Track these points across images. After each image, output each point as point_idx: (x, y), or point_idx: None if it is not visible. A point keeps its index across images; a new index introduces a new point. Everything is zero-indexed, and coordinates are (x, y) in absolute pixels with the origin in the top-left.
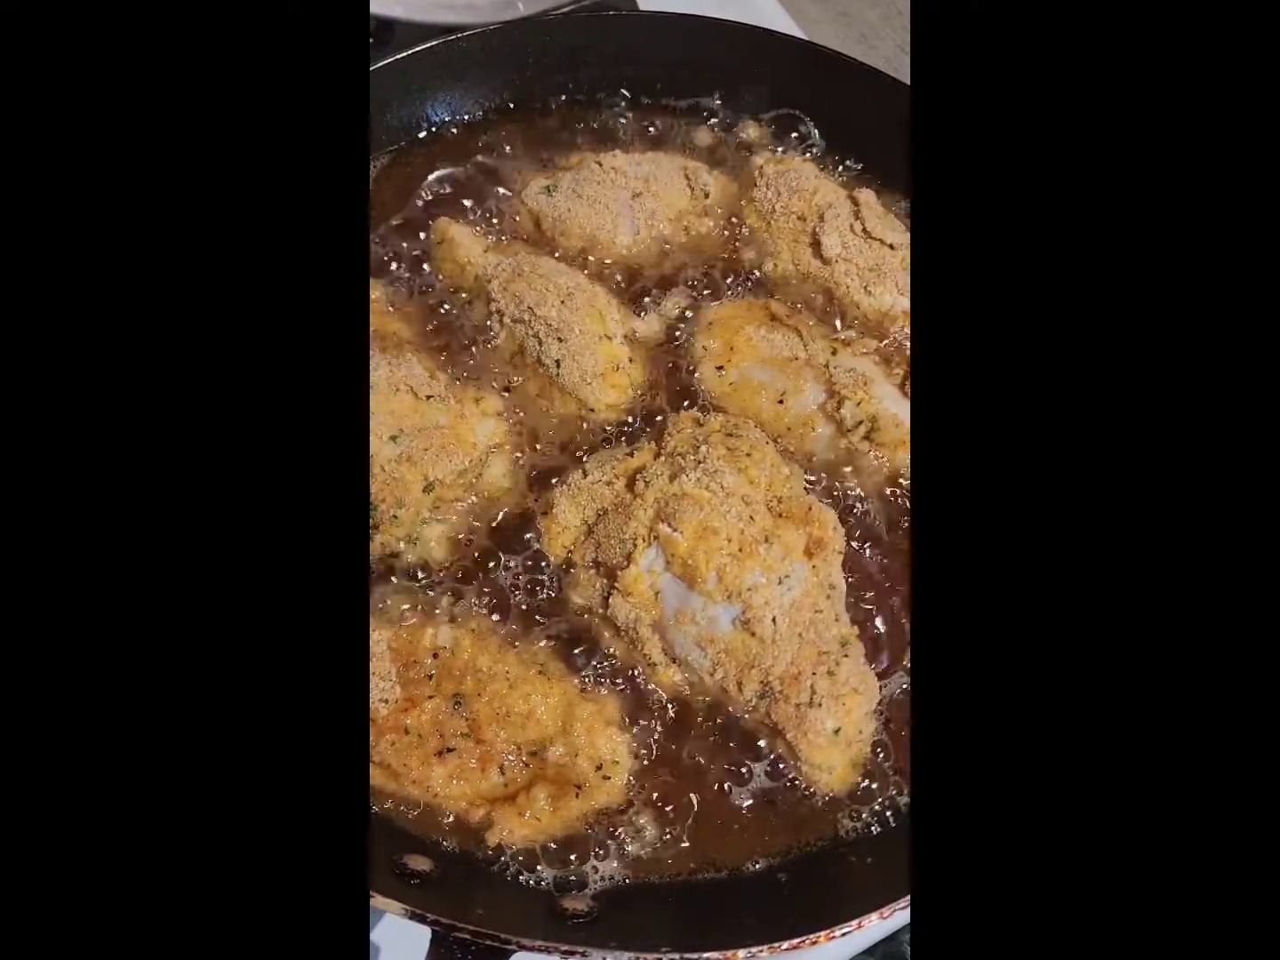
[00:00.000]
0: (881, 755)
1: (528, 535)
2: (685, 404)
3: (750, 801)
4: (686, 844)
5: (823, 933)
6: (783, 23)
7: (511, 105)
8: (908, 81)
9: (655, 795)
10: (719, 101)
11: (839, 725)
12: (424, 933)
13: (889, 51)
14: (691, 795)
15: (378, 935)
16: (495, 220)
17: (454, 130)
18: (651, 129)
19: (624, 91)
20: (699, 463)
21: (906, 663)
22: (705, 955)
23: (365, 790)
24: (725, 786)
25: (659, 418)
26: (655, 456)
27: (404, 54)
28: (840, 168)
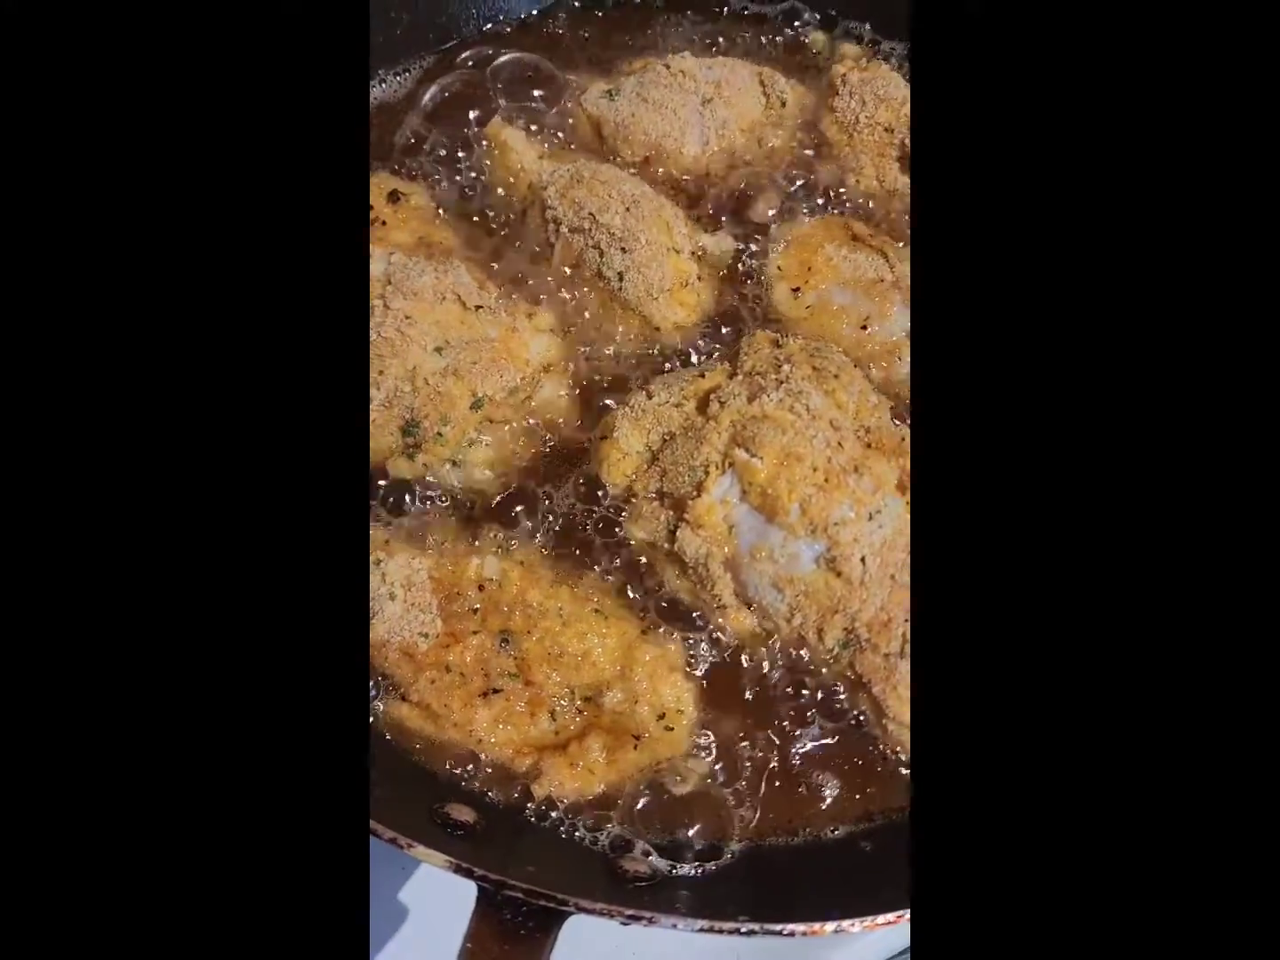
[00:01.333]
0: None
1: (585, 462)
2: (758, 328)
3: (829, 762)
4: (756, 805)
5: None
6: None
7: (574, 3)
8: None
9: (721, 750)
10: (798, 10)
11: None
12: (468, 891)
13: None
14: (761, 752)
15: (410, 893)
16: (553, 127)
17: (508, 29)
18: (724, 34)
19: None
20: (781, 382)
21: None
22: (789, 927)
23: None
24: (801, 744)
25: (729, 341)
26: (730, 376)
27: None
28: None
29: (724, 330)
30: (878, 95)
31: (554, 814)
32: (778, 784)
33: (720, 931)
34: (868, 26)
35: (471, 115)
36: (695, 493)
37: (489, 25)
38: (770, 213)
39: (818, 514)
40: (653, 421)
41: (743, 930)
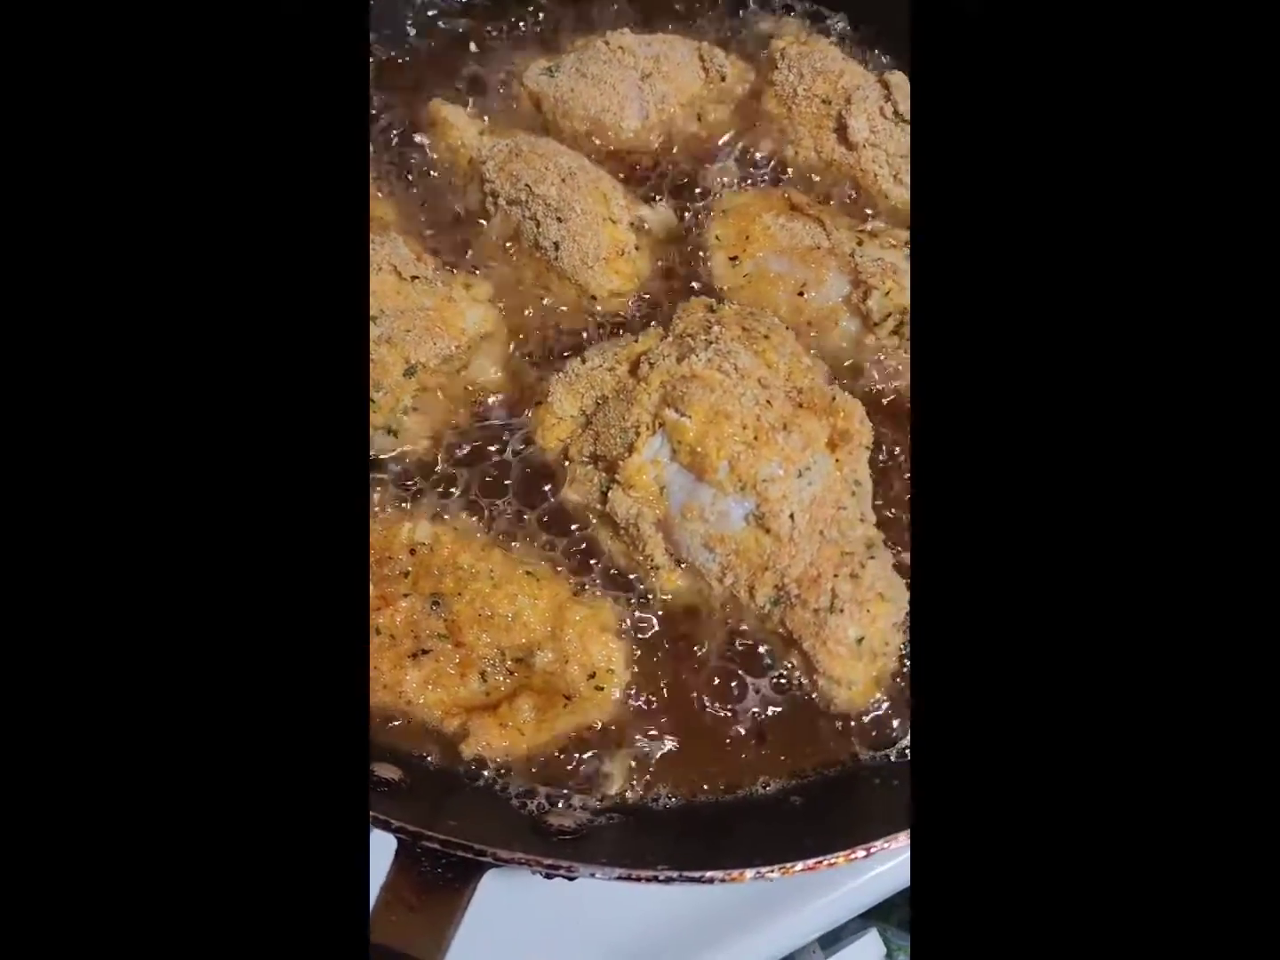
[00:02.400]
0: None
1: (521, 428)
2: (697, 296)
3: (760, 719)
4: (687, 762)
5: (841, 854)
6: None
7: None
8: None
9: (653, 709)
10: None
11: (862, 634)
12: (388, 844)
13: None
14: (695, 710)
15: None
16: (494, 104)
17: (449, 6)
18: (662, 11)
19: None
20: (710, 343)
21: None
22: (707, 874)
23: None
24: (733, 702)
25: (667, 310)
26: (661, 339)
27: None
28: (866, 54)
29: (662, 299)
30: (815, 69)
31: (485, 774)
32: (710, 741)
33: (639, 879)
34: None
35: (413, 92)
36: (626, 453)
37: (429, 6)
38: (709, 184)
39: (746, 471)
40: (586, 386)
41: (660, 878)
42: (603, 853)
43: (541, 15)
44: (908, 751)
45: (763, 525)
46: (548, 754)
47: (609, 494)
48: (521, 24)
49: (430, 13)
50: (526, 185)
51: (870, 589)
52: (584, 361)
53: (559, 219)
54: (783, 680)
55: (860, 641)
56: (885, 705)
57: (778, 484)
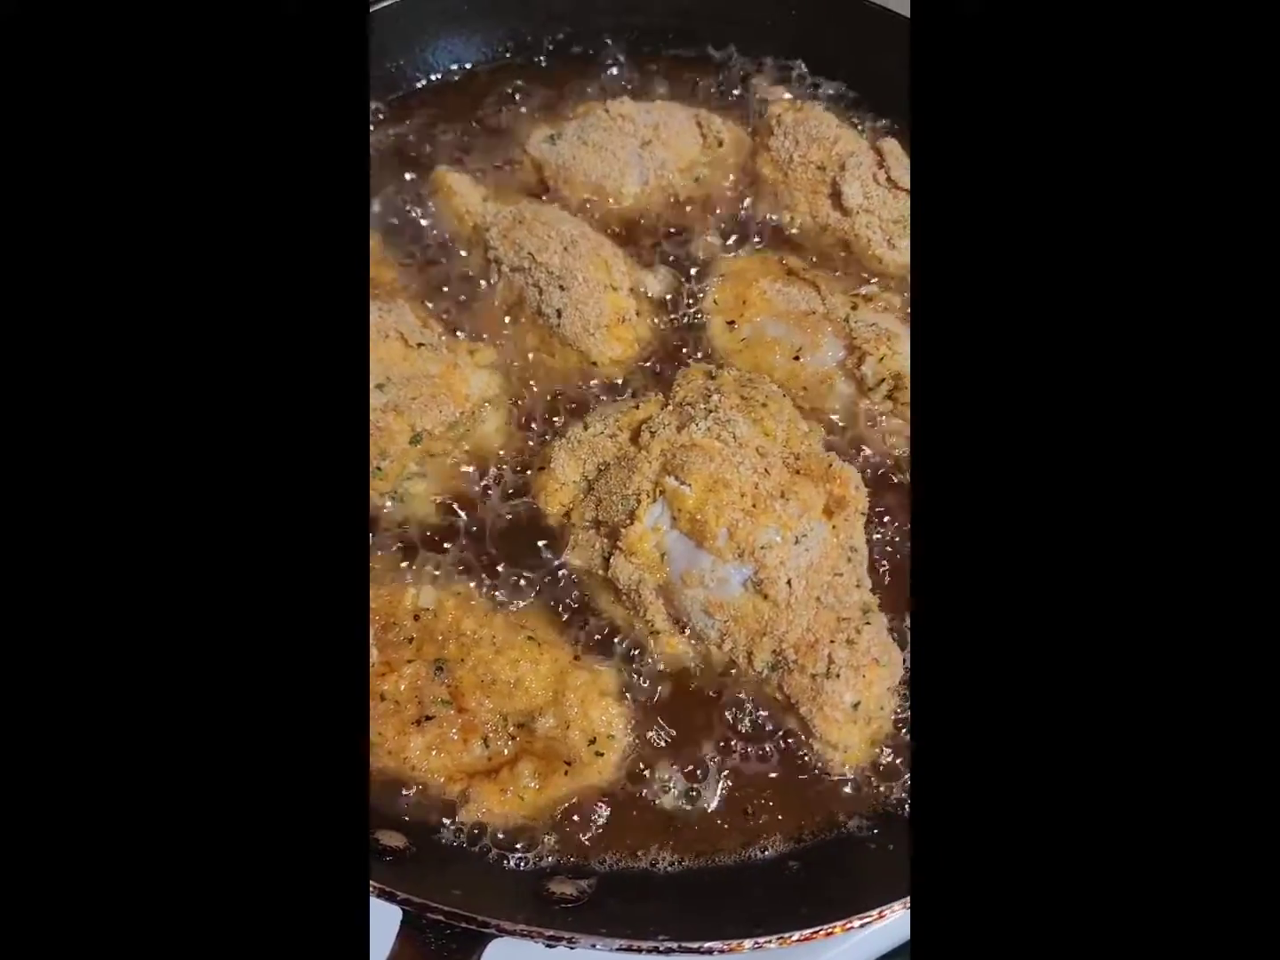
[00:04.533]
0: (905, 731)
1: (524, 493)
2: (694, 360)
3: (760, 784)
4: (686, 827)
5: (838, 923)
6: None
7: (515, 53)
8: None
9: (652, 774)
10: (734, 52)
11: (858, 699)
12: (393, 915)
13: None
14: (693, 775)
15: None
16: (496, 170)
17: (455, 78)
18: (662, 79)
19: (633, 40)
20: (710, 411)
21: None
22: (707, 945)
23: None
24: (732, 767)
25: (665, 376)
26: (663, 407)
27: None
28: (861, 121)
29: (662, 364)
30: (810, 135)
31: (483, 840)
32: (708, 806)
33: (640, 950)
34: (802, 65)
35: (418, 160)
36: (628, 520)
37: (436, 75)
38: (707, 249)
39: (745, 538)
40: (588, 452)
41: (661, 949)
42: (603, 921)
43: (541, 84)
44: (904, 810)
45: (761, 591)
46: (546, 819)
47: (611, 560)
48: (518, 95)
49: (434, 77)
50: (530, 253)
51: (866, 654)
52: (586, 427)
53: (561, 287)
54: (780, 744)
55: (856, 706)
56: (880, 767)
57: (775, 550)
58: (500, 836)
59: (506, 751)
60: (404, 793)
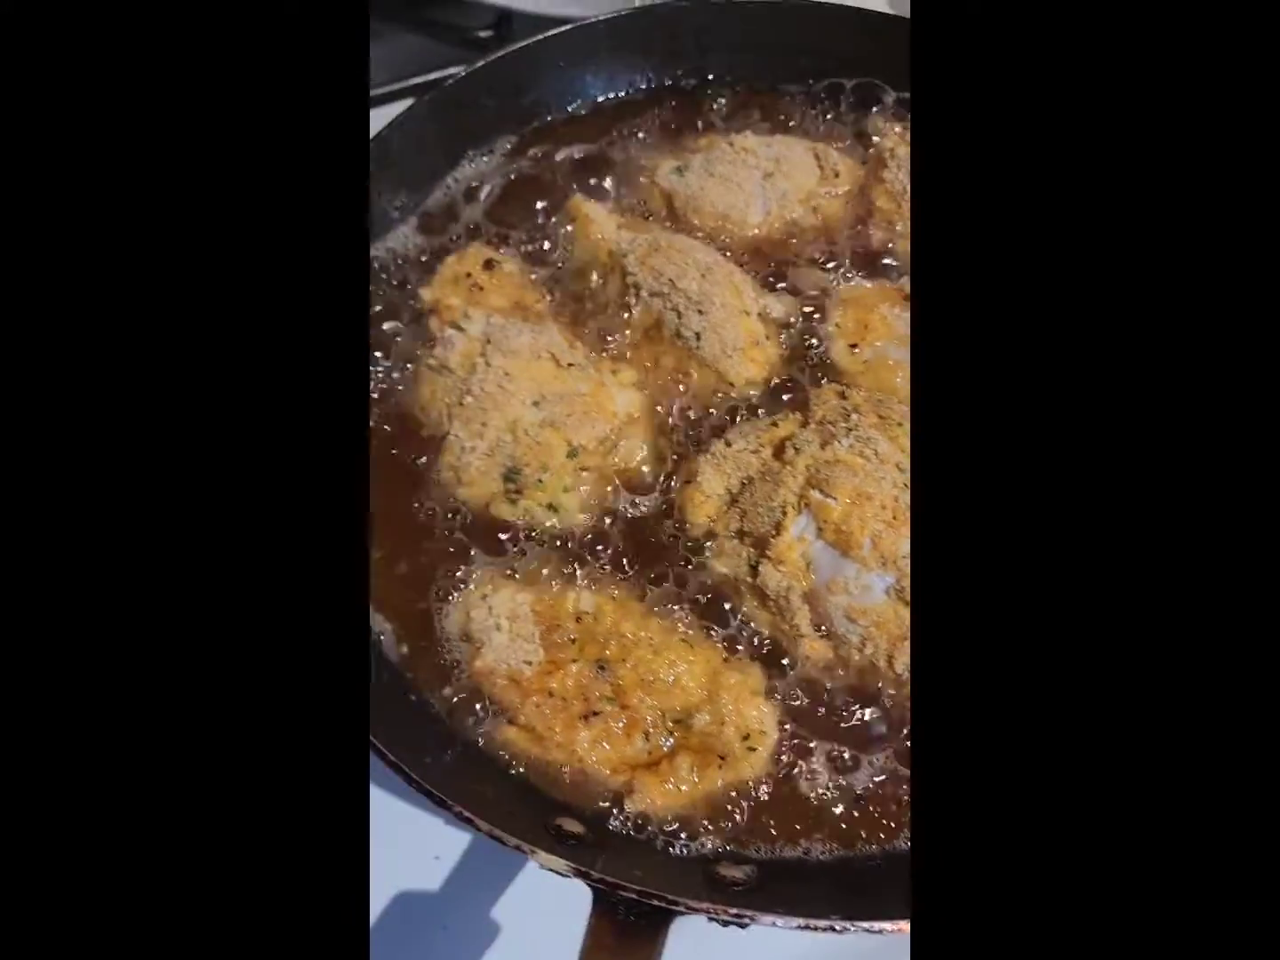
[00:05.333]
0: None
1: (669, 504)
2: (821, 380)
3: (902, 779)
4: (837, 820)
5: None
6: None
7: (640, 90)
8: None
9: (804, 769)
10: (842, 85)
11: None
12: (584, 894)
13: None
14: (840, 770)
15: (519, 899)
16: (627, 200)
17: (584, 113)
18: (776, 114)
19: (748, 76)
20: (850, 430)
21: None
22: (876, 925)
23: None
24: (876, 763)
25: (794, 395)
26: (802, 425)
27: (534, 38)
28: None
29: (790, 383)
30: None
31: (649, 828)
32: (856, 799)
33: (816, 929)
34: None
35: (554, 189)
36: (775, 531)
37: (569, 108)
38: (827, 276)
39: (888, 548)
40: (732, 467)
41: (837, 928)
42: (774, 903)
43: (663, 118)
44: None
45: (903, 598)
46: (705, 809)
47: (759, 568)
48: (642, 130)
49: (564, 111)
50: (669, 279)
51: None
52: (729, 444)
53: (700, 311)
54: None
55: None
56: None
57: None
58: (666, 826)
59: (665, 746)
60: (574, 783)
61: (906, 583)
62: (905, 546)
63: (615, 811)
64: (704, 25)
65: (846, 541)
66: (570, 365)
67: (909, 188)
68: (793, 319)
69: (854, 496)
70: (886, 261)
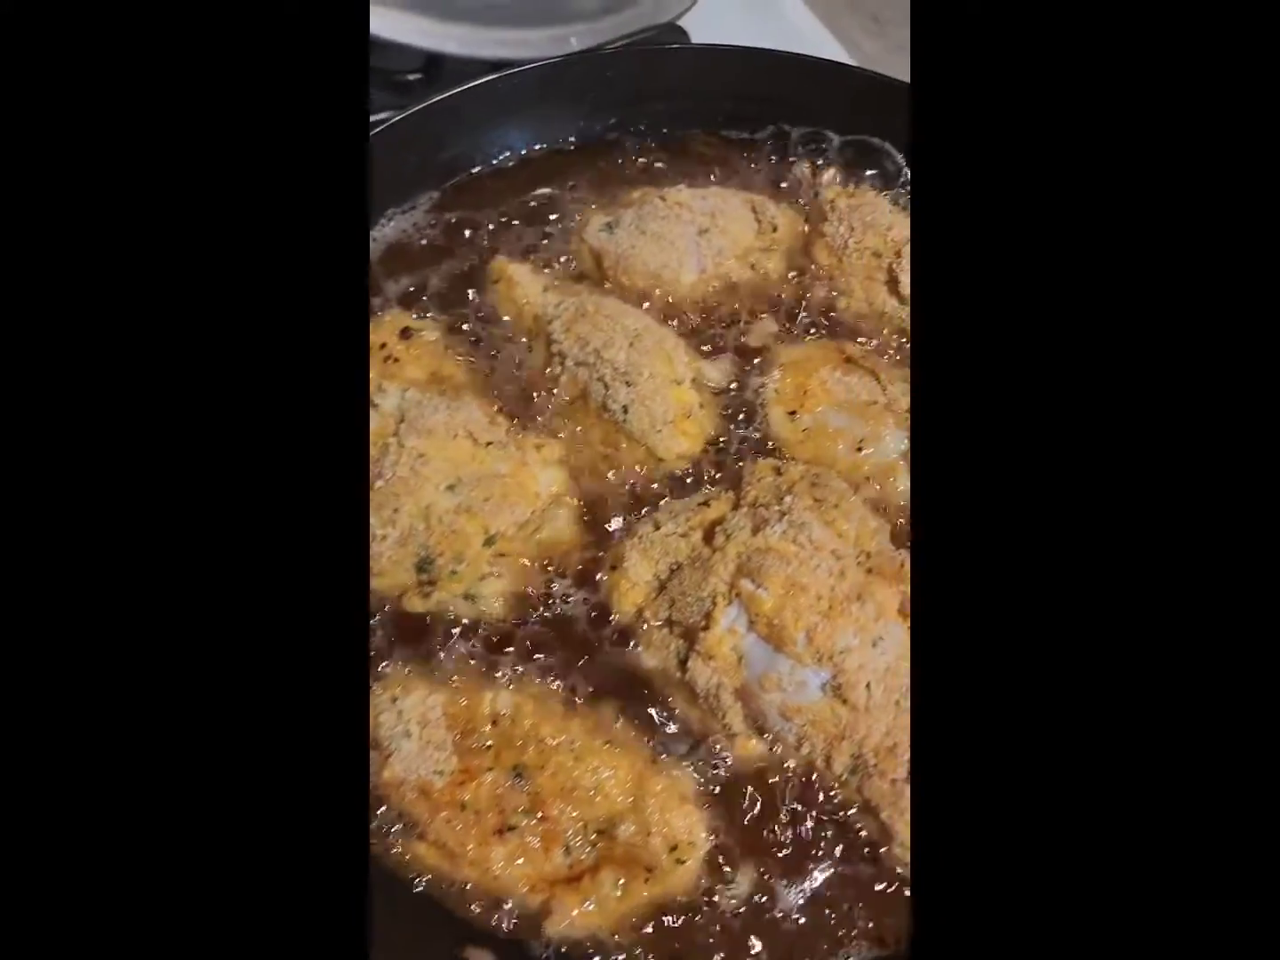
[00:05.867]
0: None
1: (594, 591)
2: (756, 452)
3: (841, 890)
4: (767, 934)
5: None
6: (835, 55)
7: (569, 141)
8: None
9: (733, 880)
10: (785, 134)
11: None
12: None
13: None
14: (773, 880)
15: None
16: (555, 259)
17: (510, 166)
18: (715, 165)
19: (685, 126)
20: (784, 514)
21: None
22: None
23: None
24: (812, 872)
25: (729, 467)
26: (734, 507)
27: (457, 90)
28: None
29: (724, 456)
30: (865, 221)
31: (564, 949)
32: (789, 912)
33: None
34: (855, 149)
35: (477, 250)
36: (704, 623)
37: (493, 161)
38: (766, 336)
39: (823, 642)
40: (660, 552)
41: None
42: None
43: (595, 170)
44: None
45: (839, 696)
46: (630, 929)
47: (688, 663)
48: (572, 183)
49: (490, 164)
50: (595, 349)
51: None
52: (657, 527)
53: (627, 383)
54: (861, 850)
55: None
56: None
57: (854, 654)
58: (584, 947)
59: (587, 859)
60: (486, 905)
61: (844, 679)
62: (842, 640)
63: (530, 934)
64: (639, 72)
65: (779, 635)
66: (489, 444)
67: (850, 242)
68: (730, 385)
69: (787, 587)
70: (827, 320)
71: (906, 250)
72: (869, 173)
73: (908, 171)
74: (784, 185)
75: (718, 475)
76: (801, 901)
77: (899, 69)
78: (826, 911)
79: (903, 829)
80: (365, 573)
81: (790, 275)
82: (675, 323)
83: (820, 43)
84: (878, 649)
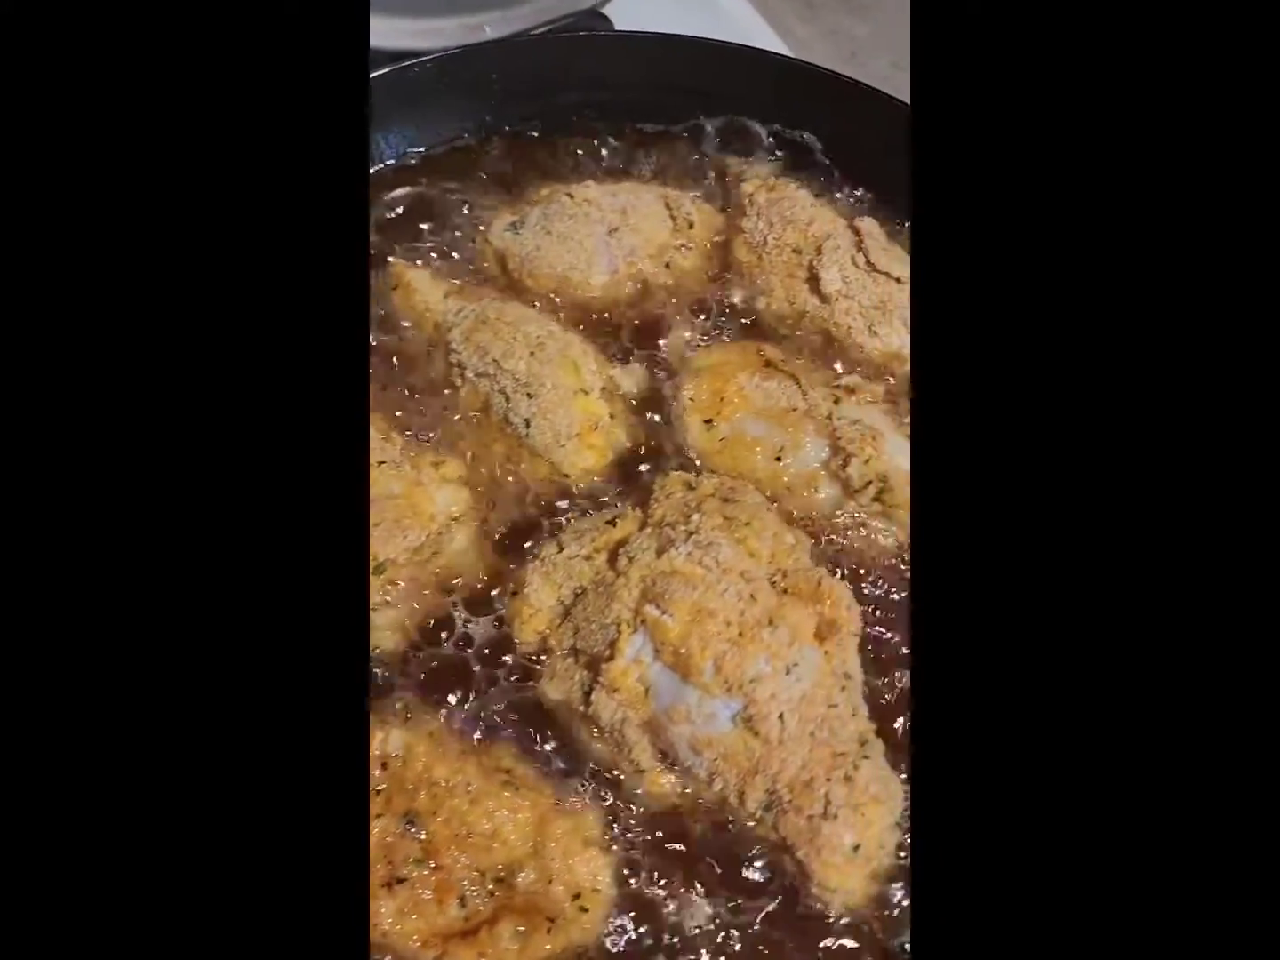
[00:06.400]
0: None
1: (494, 620)
2: (672, 464)
3: (759, 932)
4: None
5: None
6: (768, 42)
7: (476, 135)
8: (906, 100)
9: (643, 928)
10: (703, 126)
11: (858, 840)
12: None
13: (883, 69)
14: (687, 924)
15: None
16: (458, 262)
17: (411, 163)
18: (629, 158)
19: (599, 118)
20: (690, 534)
21: None
22: None
23: None
24: (728, 914)
25: (641, 482)
26: (640, 526)
27: None
28: (838, 195)
29: (638, 468)
30: (785, 217)
31: None
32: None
33: None
34: (776, 139)
35: (375, 252)
36: (608, 652)
37: (394, 160)
38: (682, 339)
39: (732, 671)
40: (564, 576)
41: None
42: None
43: (501, 167)
44: (905, 949)
45: (751, 728)
46: None
47: (592, 696)
48: (478, 180)
49: (389, 163)
50: (494, 359)
51: (865, 791)
52: (560, 549)
53: (529, 395)
54: (777, 888)
55: (856, 849)
56: (882, 908)
57: (766, 683)
58: None
59: (484, 910)
60: None
61: (755, 710)
62: (753, 668)
63: None
64: (547, 62)
65: (686, 665)
66: (381, 463)
67: (769, 238)
68: (643, 391)
69: (693, 613)
70: (746, 321)
71: (828, 246)
72: (791, 166)
73: (829, 167)
74: (706, 181)
75: (629, 491)
76: (717, 945)
77: (830, 54)
78: (749, 954)
79: (819, 869)
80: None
81: (708, 275)
82: (584, 328)
83: (752, 29)
84: (791, 676)
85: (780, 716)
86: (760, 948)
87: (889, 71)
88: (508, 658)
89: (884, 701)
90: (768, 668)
